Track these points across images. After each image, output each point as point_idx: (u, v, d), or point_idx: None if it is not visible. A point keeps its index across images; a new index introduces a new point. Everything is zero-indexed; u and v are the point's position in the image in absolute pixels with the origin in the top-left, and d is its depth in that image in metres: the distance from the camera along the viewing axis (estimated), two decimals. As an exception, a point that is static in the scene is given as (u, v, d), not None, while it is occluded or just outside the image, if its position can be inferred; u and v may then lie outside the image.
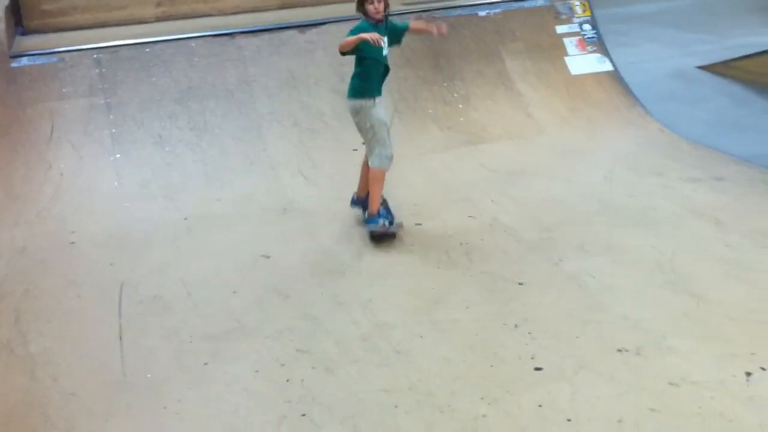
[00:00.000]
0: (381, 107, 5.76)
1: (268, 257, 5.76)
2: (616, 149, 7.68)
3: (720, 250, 5.57)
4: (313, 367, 4.43)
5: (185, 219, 6.40)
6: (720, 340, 4.51)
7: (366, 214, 5.97)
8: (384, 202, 6.01)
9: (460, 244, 5.85)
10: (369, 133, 5.73)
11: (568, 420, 3.86)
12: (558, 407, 3.96)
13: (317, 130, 7.63)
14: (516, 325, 4.73)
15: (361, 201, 6.15)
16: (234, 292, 5.30)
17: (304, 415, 4.02)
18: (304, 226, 6.27)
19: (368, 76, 5.66)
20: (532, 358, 4.38)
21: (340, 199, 6.51)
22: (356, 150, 6.99)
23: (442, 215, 6.33)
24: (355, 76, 5.70)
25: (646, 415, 3.88)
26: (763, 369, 4.19)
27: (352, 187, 6.24)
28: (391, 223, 5.84)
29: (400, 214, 6.15)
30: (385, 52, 5.61)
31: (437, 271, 5.48)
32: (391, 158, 5.78)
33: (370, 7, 5.55)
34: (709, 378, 4.16)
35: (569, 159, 7.48)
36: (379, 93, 5.73)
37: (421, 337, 4.69)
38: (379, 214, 5.84)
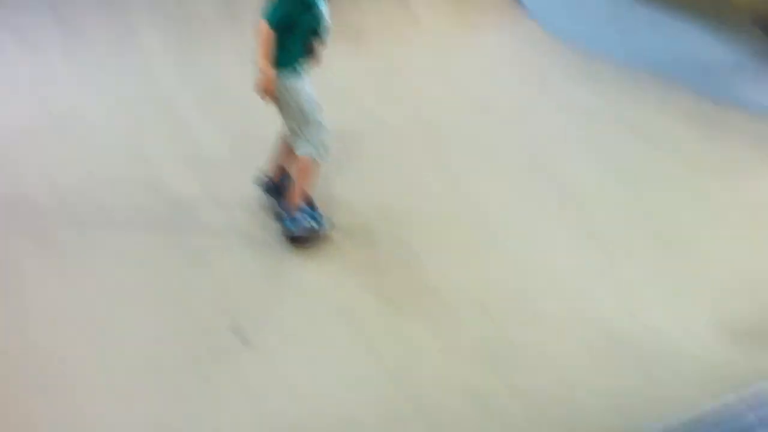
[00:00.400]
0: (309, 79, 4.61)
1: (142, 153, 5.62)
2: (496, 48, 7.77)
3: (589, 139, 5.80)
4: (183, 257, 4.46)
5: (58, 123, 6.12)
6: (581, 222, 4.73)
7: (282, 209, 4.69)
8: (309, 201, 4.74)
9: (342, 141, 5.84)
10: (296, 114, 4.48)
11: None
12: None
13: (195, 31, 7.39)
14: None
15: (273, 187, 4.88)
16: (110, 192, 5.18)
17: (176, 303, 4.06)
18: (179, 122, 6.11)
19: (294, 44, 4.44)
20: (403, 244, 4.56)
21: (216, 96, 6.37)
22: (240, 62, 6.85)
23: (327, 114, 6.28)
24: (285, 49, 4.40)
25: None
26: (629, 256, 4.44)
27: (229, 85, 6.12)
28: (318, 223, 4.60)
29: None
30: (328, 19, 4.54)
31: (323, 175, 5.47)
32: (328, 147, 4.58)
33: None
34: (571, 255, 4.39)
35: (451, 57, 7.52)
36: (306, 61, 4.56)
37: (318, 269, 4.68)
38: (302, 212, 4.57)
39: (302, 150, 4.49)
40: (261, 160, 5.10)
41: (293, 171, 4.60)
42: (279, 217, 4.68)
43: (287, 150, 4.76)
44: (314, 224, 4.53)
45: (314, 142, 4.49)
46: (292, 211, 4.52)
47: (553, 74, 7.09)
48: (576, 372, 3.74)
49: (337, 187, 5.23)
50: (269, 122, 4.97)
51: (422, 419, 3.43)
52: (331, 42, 7.54)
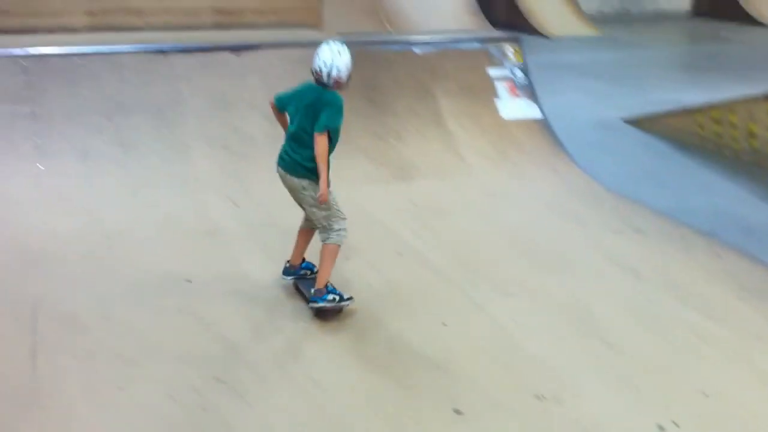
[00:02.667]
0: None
1: (189, 281, 5.65)
2: (540, 194, 7.82)
3: (636, 301, 5.69)
4: (229, 396, 4.35)
5: (106, 237, 6.23)
6: (633, 390, 4.59)
7: (312, 290, 5.21)
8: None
9: (385, 279, 5.85)
10: (322, 209, 5.14)
11: (486, 464, 3.88)
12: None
13: (248, 154, 7.55)
14: (437, 365, 4.74)
15: (294, 270, 5.57)
16: (152, 314, 5.18)
17: None
18: (228, 252, 6.18)
19: (331, 152, 5.11)
20: (450, 399, 4.39)
21: (267, 225, 6.49)
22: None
23: (369, 249, 6.31)
24: (311, 159, 4.99)
25: (562, 462, 3.92)
26: (676, 425, 4.27)
27: (279, 214, 6.25)
28: (341, 298, 5.22)
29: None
30: None
31: (361, 304, 5.45)
32: (347, 232, 5.26)
33: None
34: (623, 429, 4.23)
35: (495, 200, 7.58)
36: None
37: (339, 369, 4.67)
38: (327, 290, 5.19)
39: (330, 239, 5.19)
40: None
41: (322, 255, 5.22)
42: (306, 295, 5.31)
43: (305, 240, 5.52)
44: (339, 300, 5.21)
45: (339, 232, 5.19)
46: (321, 291, 5.15)
47: (597, 224, 7.07)
48: None
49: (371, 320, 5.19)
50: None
51: None
52: (376, 175, 7.81)
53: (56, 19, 8.80)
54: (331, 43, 5.03)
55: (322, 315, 5.22)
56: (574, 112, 10.94)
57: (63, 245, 6.04)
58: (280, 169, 5.19)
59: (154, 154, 7.25)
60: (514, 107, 9.04)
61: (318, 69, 4.98)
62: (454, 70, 9.05)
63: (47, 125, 7.05)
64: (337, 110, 4.96)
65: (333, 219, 5.17)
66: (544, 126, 8.99)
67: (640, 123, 10.66)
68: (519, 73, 9.30)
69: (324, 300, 5.15)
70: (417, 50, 9.02)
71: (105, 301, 5.30)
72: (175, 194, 6.94)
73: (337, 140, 5.10)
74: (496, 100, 9.01)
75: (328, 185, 5.03)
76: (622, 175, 8.59)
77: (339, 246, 5.22)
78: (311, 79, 5.06)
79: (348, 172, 7.63)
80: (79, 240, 6.14)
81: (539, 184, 8.09)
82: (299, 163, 5.06)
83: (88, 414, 4.14)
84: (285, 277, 5.58)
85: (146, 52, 7.92)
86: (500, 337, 5.14)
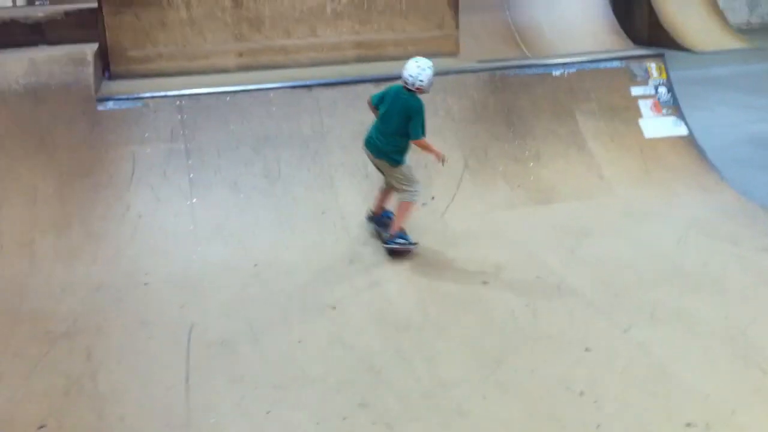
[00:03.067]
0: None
1: (334, 307, 5.81)
2: (689, 214, 7.56)
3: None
4: (374, 423, 4.43)
5: (255, 265, 6.50)
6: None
7: (387, 234, 6.72)
8: (404, 230, 6.72)
9: (527, 304, 5.81)
10: (405, 178, 6.65)
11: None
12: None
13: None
14: (581, 392, 4.67)
15: (377, 218, 7.01)
16: (299, 341, 5.36)
17: None
18: (370, 277, 6.32)
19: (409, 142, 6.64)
20: (597, 427, 4.31)
21: (409, 252, 6.58)
22: (425, 204, 7.19)
23: (510, 274, 6.31)
24: (405, 149, 6.62)
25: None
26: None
27: (421, 242, 6.50)
28: (409, 242, 6.64)
29: (466, 270, 6.35)
30: None
31: (502, 330, 5.45)
32: (420, 193, 6.80)
33: None
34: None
35: (640, 222, 7.39)
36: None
37: (484, 398, 4.67)
38: (398, 235, 6.61)
39: (405, 197, 6.67)
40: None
41: (398, 209, 6.71)
42: (382, 238, 6.77)
43: (386, 196, 6.95)
44: (407, 244, 6.66)
45: (416, 192, 6.71)
46: (394, 234, 6.62)
47: (752, 244, 6.77)
48: None
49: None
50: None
51: None
52: (516, 198, 7.78)
53: (208, 60, 9.26)
54: (418, 59, 6.51)
55: (395, 255, 6.62)
56: (723, 127, 10.52)
57: (216, 274, 6.36)
58: (368, 151, 6.76)
59: (300, 184, 7.50)
60: (658, 125, 8.81)
61: (406, 79, 6.44)
62: (595, 90, 8.90)
63: (200, 160, 7.42)
64: (422, 115, 6.43)
65: (409, 184, 6.64)
66: (690, 143, 8.71)
67: (795, 137, 10.15)
68: (663, 90, 9.06)
69: (395, 243, 6.61)
70: (556, 72, 8.94)
71: (254, 327, 5.54)
72: (319, 223, 7.16)
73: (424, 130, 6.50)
74: (639, 118, 8.81)
75: (405, 161, 6.64)
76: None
77: (412, 203, 6.69)
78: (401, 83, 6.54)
79: (488, 197, 7.70)
80: (231, 269, 6.44)
81: (687, 203, 7.83)
82: (384, 151, 6.60)
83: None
84: (369, 222, 7.09)
85: (292, 87, 8.22)
86: (647, 362, 5.00)
